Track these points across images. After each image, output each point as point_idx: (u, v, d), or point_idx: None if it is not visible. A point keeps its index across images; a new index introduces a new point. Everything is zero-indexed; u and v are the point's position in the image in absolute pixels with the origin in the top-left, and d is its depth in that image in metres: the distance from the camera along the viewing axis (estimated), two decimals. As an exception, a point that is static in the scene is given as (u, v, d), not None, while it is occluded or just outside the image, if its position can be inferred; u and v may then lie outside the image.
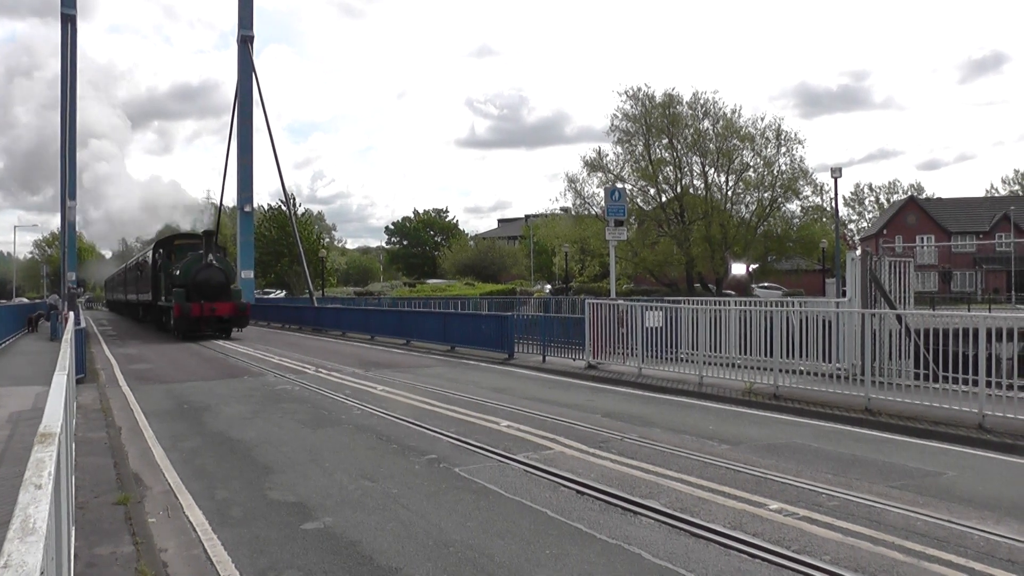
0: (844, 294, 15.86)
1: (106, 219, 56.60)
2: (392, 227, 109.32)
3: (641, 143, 49.99)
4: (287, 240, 69.28)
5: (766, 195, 48.82)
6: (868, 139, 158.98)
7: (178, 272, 30.05)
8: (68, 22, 41.48)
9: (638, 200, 49.80)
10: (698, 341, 13.68)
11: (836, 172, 38.22)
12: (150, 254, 36.57)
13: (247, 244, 48.33)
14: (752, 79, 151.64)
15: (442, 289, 61.58)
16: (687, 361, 14.11)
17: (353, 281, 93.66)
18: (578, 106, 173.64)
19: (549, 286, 62.94)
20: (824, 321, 12.45)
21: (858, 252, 14.46)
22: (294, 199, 76.95)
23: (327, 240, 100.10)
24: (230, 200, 57.50)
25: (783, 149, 48.34)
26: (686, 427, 9.97)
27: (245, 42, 48.12)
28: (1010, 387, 9.48)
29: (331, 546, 5.65)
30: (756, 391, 12.07)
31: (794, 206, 49.97)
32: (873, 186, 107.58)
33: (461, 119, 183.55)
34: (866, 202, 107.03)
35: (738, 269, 48.53)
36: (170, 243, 34.53)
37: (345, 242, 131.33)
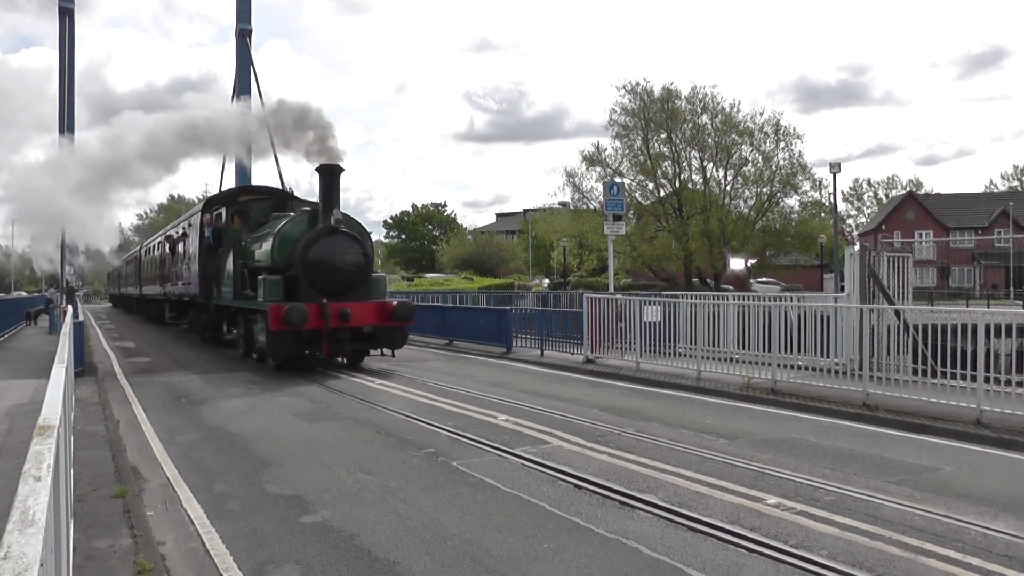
0: (842, 289, 15.87)
1: None
2: (390, 221, 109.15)
3: (640, 138, 49.95)
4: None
5: (765, 190, 48.80)
6: (867, 134, 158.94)
7: (269, 245, 16.66)
8: (66, 15, 41.32)
9: (636, 195, 49.72)
10: (696, 336, 13.69)
11: (835, 167, 38.24)
12: (194, 221, 22.53)
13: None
14: (751, 74, 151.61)
15: (440, 283, 61.58)
16: (685, 356, 14.13)
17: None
18: (577, 101, 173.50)
19: (547, 280, 62.91)
20: (822, 316, 12.46)
21: (856, 247, 14.48)
22: (292, 193, 76.49)
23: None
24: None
25: (782, 144, 48.35)
26: (684, 422, 9.99)
27: (243, 36, 47.93)
28: (1008, 383, 9.50)
29: (329, 539, 5.65)
30: (754, 386, 12.08)
31: (793, 201, 50.00)
32: (872, 181, 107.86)
33: (460, 113, 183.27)
34: (865, 197, 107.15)
35: (736, 264, 48.58)
36: (233, 200, 20.89)
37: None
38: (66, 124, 39.42)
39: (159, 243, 30.69)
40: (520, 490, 6.84)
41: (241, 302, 17.76)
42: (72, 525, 5.44)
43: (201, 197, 68.84)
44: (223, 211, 20.31)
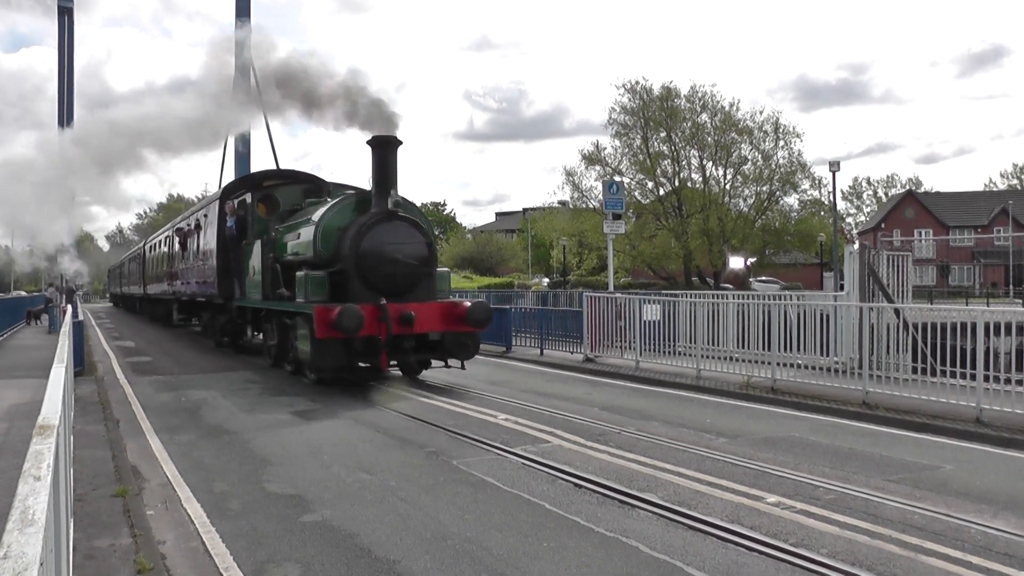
0: (842, 288, 15.87)
1: None
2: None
3: (639, 136, 49.98)
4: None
5: (764, 188, 48.84)
6: (866, 133, 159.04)
7: (310, 235, 13.83)
8: (65, 15, 41.33)
9: (636, 193, 49.73)
10: (696, 335, 13.69)
11: (834, 166, 38.20)
12: (211, 211, 19.97)
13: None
14: (750, 72, 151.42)
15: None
16: (685, 354, 14.12)
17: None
18: (577, 100, 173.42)
19: (547, 279, 62.92)
20: (822, 315, 12.46)
21: (856, 246, 14.46)
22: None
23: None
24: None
25: (781, 142, 48.41)
26: (684, 420, 9.99)
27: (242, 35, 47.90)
28: (1008, 381, 9.50)
29: (329, 538, 5.65)
30: (754, 385, 12.08)
31: (792, 200, 50.06)
32: (871, 180, 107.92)
33: (459, 112, 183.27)
34: (864, 196, 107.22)
35: (736, 263, 48.61)
36: (258, 184, 18.09)
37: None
38: (65, 121, 39.42)
39: (167, 237, 28.14)
40: (520, 489, 6.84)
41: (273, 303, 15.10)
42: (72, 524, 5.43)
43: (201, 197, 68.44)
44: (248, 197, 17.43)
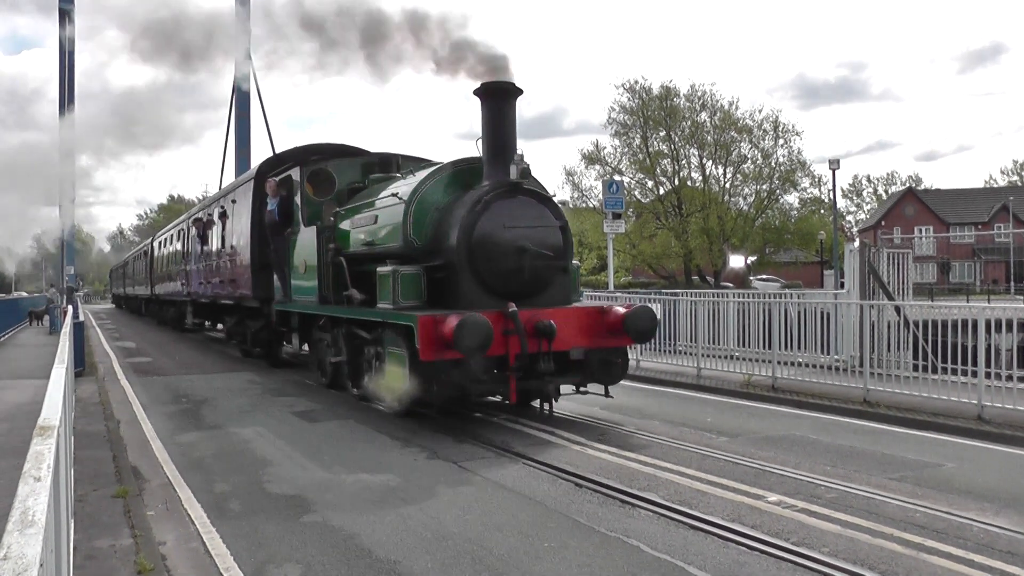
0: (842, 286, 15.86)
1: None
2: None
3: (639, 136, 50.01)
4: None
5: (764, 187, 48.86)
6: (866, 131, 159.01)
7: (395, 217, 10.39)
8: (65, 16, 41.29)
9: (636, 193, 49.77)
10: (696, 333, 13.68)
11: (834, 164, 38.18)
12: (242, 195, 16.87)
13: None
14: (750, 71, 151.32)
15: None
16: (685, 353, 14.11)
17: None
18: (576, 99, 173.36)
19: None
20: (822, 313, 12.46)
21: (856, 244, 14.44)
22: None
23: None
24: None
25: (781, 141, 48.40)
26: (684, 419, 9.98)
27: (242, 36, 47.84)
28: (1009, 378, 9.49)
29: (330, 539, 5.65)
30: (754, 383, 12.08)
31: (792, 198, 50.09)
32: (871, 177, 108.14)
33: (460, 112, 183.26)
34: (864, 194, 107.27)
35: (736, 261, 48.62)
36: (305, 159, 14.14)
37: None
38: (65, 116, 39.36)
39: (180, 231, 25.11)
40: (521, 489, 6.83)
41: (338, 310, 11.63)
42: (72, 525, 5.43)
43: (201, 197, 68.01)
44: (294, 173, 13.56)
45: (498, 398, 10.03)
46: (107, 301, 77.38)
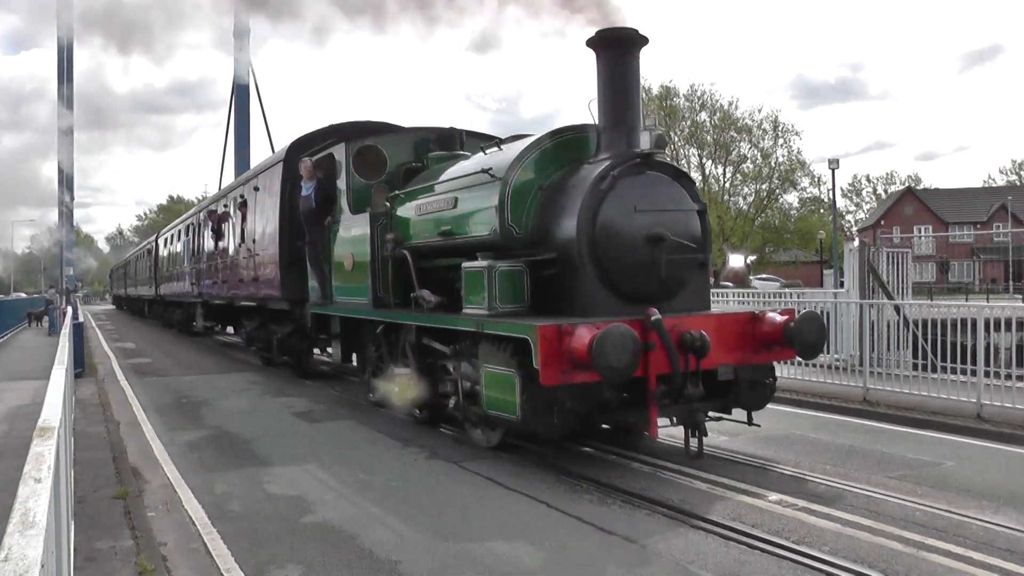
0: (842, 285, 15.87)
1: None
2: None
3: (639, 135, 49.94)
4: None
5: (764, 187, 48.95)
6: (865, 130, 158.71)
7: (483, 200, 8.15)
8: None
9: (636, 192, 49.70)
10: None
11: (834, 163, 38.22)
12: (266, 181, 14.52)
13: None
14: (749, 71, 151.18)
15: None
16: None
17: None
18: (576, 100, 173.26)
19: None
20: (822, 312, 12.45)
21: (856, 243, 14.45)
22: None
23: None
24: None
25: (780, 141, 48.50)
26: (685, 419, 9.95)
27: (242, 35, 47.85)
28: (1008, 377, 9.49)
29: (331, 539, 5.65)
30: (754, 382, 12.05)
31: (792, 198, 50.24)
32: (871, 177, 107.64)
33: (460, 113, 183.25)
34: (864, 193, 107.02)
35: (736, 261, 48.57)
36: (350, 136, 11.25)
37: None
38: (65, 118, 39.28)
39: (189, 226, 22.84)
40: (521, 488, 6.83)
41: (406, 315, 9.35)
42: (73, 526, 5.43)
43: (201, 197, 67.58)
44: (337, 151, 11.15)
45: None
46: (107, 302, 77.17)
